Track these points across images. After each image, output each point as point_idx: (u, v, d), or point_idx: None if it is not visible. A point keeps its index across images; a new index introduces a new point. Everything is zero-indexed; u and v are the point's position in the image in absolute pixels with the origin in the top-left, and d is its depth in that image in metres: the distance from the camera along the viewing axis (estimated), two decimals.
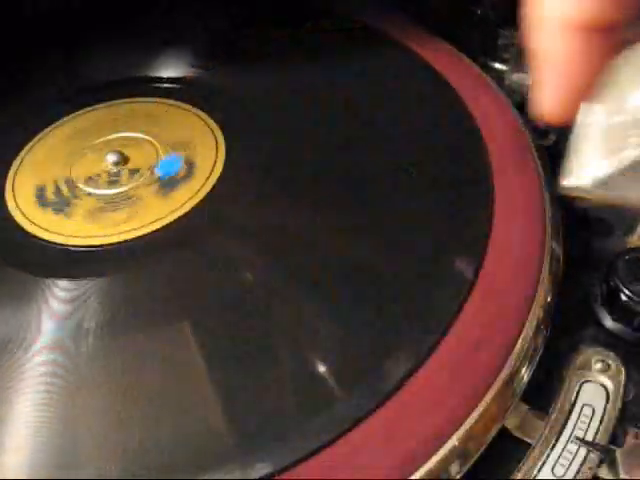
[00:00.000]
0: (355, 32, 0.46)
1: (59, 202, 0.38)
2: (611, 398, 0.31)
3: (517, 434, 0.30)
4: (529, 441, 0.30)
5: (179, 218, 0.36)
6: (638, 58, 0.24)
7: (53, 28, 0.50)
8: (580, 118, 0.25)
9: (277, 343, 0.31)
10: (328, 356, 0.30)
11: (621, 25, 0.23)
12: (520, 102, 0.43)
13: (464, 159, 0.37)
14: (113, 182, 0.38)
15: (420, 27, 0.45)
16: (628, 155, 0.25)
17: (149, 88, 0.44)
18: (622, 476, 0.29)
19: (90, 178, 0.39)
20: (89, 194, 0.38)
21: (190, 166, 0.38)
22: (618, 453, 0.29)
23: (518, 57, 0.41)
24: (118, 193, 0.38)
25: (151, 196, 0.37)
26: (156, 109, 0.42)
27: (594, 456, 0.29)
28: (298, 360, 0.30)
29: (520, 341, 0.30)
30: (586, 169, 0.27)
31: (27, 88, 0.46)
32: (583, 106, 0.23)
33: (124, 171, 0.39)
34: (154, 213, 0.36)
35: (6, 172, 0.40)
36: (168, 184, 0.37)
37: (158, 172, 0.38)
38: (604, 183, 0.27)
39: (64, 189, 0.39)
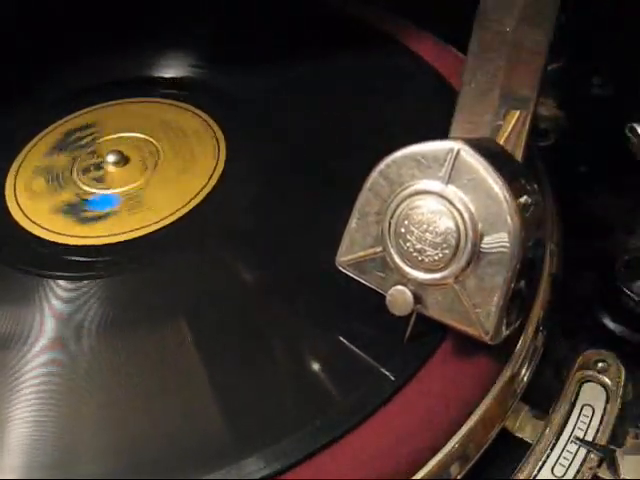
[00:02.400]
0: (356, 33, 0.46)
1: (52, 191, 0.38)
2: (611, 398, 0.31)
3: (517, 434, 0.30)
4: (529, 441, 0.30)
5: (180, 218, 0.36)
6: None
7: (54, 28, 0.50)
8: (360, 204, 0.29)
9: (277, 345, 0.31)
10: (328, 358, 0.30)
11: None
12: None
13: None
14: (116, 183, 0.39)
15: (422, 29, 0.45)
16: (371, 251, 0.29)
17: (150, 88, 0.44)
18: (622, 476, 0.29)
19: (91, 178, 0.39)
20: (90, 194, 0.38)
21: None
22: (618, 453, 0.29)
23: None
24: (120, 192, 0.38)
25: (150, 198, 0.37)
26: (157, 109, 0.42)
27: (594, 456, 0.29)
28: (298, 362, 0.30)
29: (520, 341, 0.30)
30: (343, 250, 0.30)
31: (28, 88, 0.46)
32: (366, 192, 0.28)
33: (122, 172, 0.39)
34: (155, 214, 0.36)
35: (6, 172, 0.40)
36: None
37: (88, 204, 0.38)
38: (351, 267, 0.30)
39: (64, 188, 0.39)
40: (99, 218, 0.37)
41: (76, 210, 0.37)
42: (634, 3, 0.43)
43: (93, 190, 0.38)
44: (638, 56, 0.44)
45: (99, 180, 0.39)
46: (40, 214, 0.37)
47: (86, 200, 0.38)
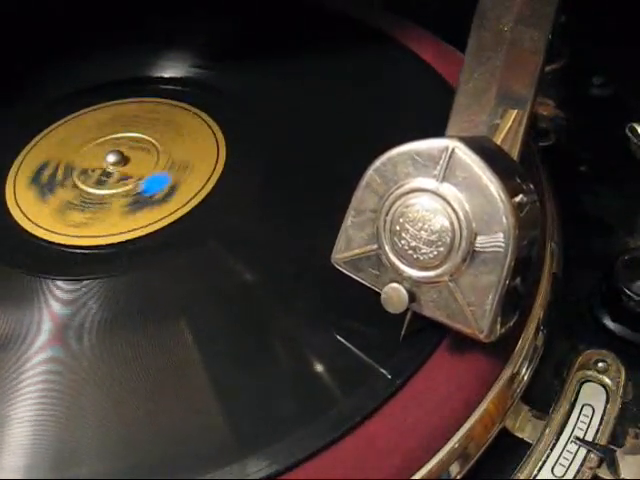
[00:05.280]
0: (356, 33, 0.46)
1: (58, 199, 0.38)
2: (611, 398, 0.31)
3: (517, 434, 0.30)
4: (529, 441, 0.30)
5: (180, 219, 0.36)
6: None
7: (55, 28, 0.50)
8: (356, 202, 0.29)
9: (277, 345, 0.31)
10: (329, 357, 0.30)
11: None
12: None
13: None
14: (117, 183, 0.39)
15: (422, 29, 0.45)
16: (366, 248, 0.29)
17: (150, 88, 0.44)
18: (622, 476, 0.29)
19: (91, 179, 0.39)
20: (88, 193, 0.38)
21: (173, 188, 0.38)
22: (618, 453, 0.29)
23: None
24: (121, 192, 0.38)
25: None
26: (157, 109, 0.43)
27: (594, 456, 0.29)
28: (299, 362, 0.30)
29: (520, 341, 0.30)
30: (339, 248, 0.30)
31: (29, 88, 0.46)
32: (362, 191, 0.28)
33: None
34: (155, 214, 0.36)
35: (7, 172, 0.40)
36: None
37: (141, 187, 0.38)
38: (346, 265, 0.30)
39: (64, 187, 0.39)
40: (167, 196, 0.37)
41: (75, 209, 0.38)
42: (634, 3, 0.43)
43: (93, 190, 0.38)
44: (638, 56, 0.44)
45: (99, 180, 0.39)
46: (40, 214, 0.37)
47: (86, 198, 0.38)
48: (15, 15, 0.50)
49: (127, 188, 0.38)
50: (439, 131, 0.32)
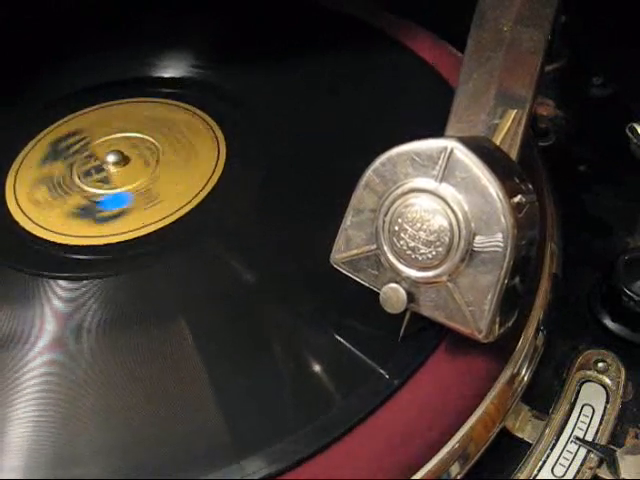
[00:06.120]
0: (356, 33, 0.46)
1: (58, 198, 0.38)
2: (611, 398, 0.31)
3: (517, 434, 0.30)
4: (529, 441, 0.30)
5: (180, 219, 0.36)
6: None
7: (55, 28, 0.50)
8: (355, 202, 0.29)
9: (277, 346, 0.31)
10: (328, 358, 0.30)
11: None
12: None
13: None
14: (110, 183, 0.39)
15: (422, 29, 0.45)
16: (362, 248, 0.29)
17: (150, 88, 0.44)
18: (622, 476, 0.29)
19: (90, 178, 0.39)
20: (88, 193, 0.38)
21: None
22: (618, 453, 0.29)
23: None
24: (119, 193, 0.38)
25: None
26: (157, 109, 0.43)
27: (594, 456, 0.29)
28: (298, 362, 0.30)
29: (520, 341, 0.30)
30: (338, 248, 0.30)
31: (29, 88, 0.46)
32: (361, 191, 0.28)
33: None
34: (155, 214, 0.36)
35: (7, 172, 0.40)
36: None
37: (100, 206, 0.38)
38: (345, 265, 0.30)
39: (64, 187, 0.39)
40: (113, 217, 0.37)
41: (89, 212, 0.37)
42: (634, 3, 0.43)
43: (93, 190, 0.38)
44: (638, 56, 0.44)
45: (99, 180, 0.39)
46: (40, 214, 0.37)
47: (98, 202, 0.38)
48: (15, 15, 0.50)
49: (128, 188, 0.38)
50: (438, 131, 0.32)
